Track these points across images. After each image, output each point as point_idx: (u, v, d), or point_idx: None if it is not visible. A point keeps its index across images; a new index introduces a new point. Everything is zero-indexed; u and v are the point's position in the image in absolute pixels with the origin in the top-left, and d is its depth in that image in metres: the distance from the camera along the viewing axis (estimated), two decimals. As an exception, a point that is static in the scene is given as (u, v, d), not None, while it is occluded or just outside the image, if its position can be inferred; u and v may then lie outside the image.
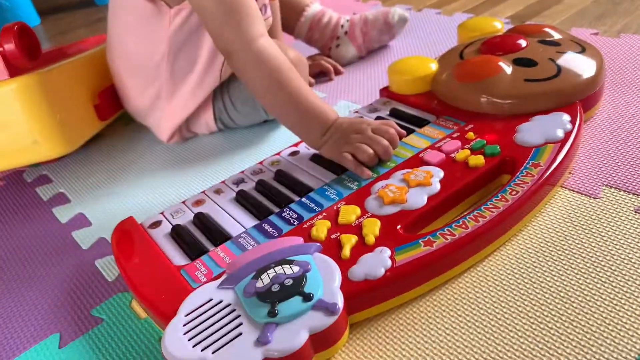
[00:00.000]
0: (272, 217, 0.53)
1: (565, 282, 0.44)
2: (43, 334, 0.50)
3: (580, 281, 0.44)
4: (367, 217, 0.49)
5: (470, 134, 0.58)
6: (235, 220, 0.54)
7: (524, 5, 1.05)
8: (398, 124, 0.61)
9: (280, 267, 0.43)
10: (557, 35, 0.69)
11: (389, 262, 0.43)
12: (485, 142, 0.56)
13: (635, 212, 0.49)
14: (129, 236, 0.54)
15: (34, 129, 0.65)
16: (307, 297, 0.40)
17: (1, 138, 0.66)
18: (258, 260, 0.45)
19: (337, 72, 0.90)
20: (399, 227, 0.47)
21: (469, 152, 0.55)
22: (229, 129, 0.79)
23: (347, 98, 0.82)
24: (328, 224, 0.49)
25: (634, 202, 0.51)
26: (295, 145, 0.65)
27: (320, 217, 0.51)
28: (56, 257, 0.60)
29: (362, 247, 0.46)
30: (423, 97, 0.68)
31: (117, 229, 0.55)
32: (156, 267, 0.49)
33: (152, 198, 0.67)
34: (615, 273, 0.44)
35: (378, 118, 0.67)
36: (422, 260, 0.43)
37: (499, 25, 0.76)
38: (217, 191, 0.60)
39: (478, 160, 0.53)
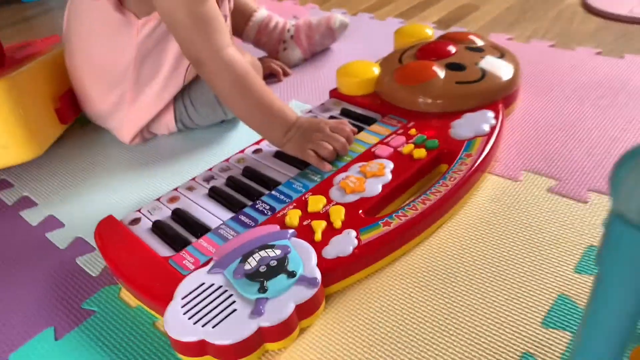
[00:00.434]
0: (246, 209, 0.59)
1: (494, 248, 0.54)
2: (36, 328, 0.53)
3: (506, 246, 0.54)
4: (333, 205, 0.57)
5: (413, 131, 0.67)
6: (211, 214, 0.60)
7: (447, 11, 1.17)
8: (349, 122, 0.69)
9: (264, 251, 0.50)
10: (480, 42, 0.80)
11: (356, 242, 0.51)
12: (425, 137, 0.65)
13: (548, 191, 0.61)
14: (112, 233, 0.58)
15: (3, 134, 0.66)
16: (291, 274, 0.47)
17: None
18: (242, 247, 0.51)
19: (285, 74, 0.97)
20: (360, 212, 0.55)
21: (412, 146, 0.64)
22: (187, 129, 0.83)
23: (297, 98, 0.89)
24: (299, 212, 0.56)
25: (547, 183, 0.62)
26: (257, 143, 0.71)
27: (291, 207, 0.57)
28: (34, 258, 0.62)
29: (331, 231, 0.53)
30: (369, 98, 0.76)
31: (99, 227, 0.58)
32: (145, 259, 0.54)
33: (122, 197, 0.70)
34: (533, 238, 0.55)
35: (331, 117, 0.74)
36: (383, 238, 0.52)
37: (430, 32, 0.87)
38: (190, 188, 0.65)
39: (421, 152, 0.62)
